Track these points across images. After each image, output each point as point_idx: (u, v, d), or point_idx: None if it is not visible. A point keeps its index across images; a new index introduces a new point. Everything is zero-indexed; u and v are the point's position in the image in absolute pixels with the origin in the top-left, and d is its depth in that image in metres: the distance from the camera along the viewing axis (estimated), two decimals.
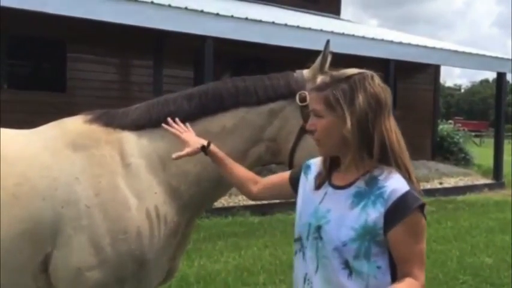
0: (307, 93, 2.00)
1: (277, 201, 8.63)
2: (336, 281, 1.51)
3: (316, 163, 1.73)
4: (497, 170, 12.11)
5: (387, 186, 1.49)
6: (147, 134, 2.04)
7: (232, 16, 8.18)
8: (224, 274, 4.87)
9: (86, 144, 1.98)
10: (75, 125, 2.06)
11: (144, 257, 1.93)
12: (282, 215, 7.79)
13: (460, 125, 20.32)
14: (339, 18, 15.04)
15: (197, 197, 2.06)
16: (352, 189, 1.56)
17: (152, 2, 7.39)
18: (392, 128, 1.53)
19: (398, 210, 1.47)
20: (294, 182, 1.78)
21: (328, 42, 2.07)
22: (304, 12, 12.98)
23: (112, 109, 2.19)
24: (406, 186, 1.49)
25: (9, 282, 1.92)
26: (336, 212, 1.54)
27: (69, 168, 1.93)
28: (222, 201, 7.99)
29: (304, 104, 2.02)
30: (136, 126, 2.06)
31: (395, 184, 1.49)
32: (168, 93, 2.23)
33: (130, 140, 2.02)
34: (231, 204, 8.08)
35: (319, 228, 1.56)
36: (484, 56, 12.29)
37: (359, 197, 1.53)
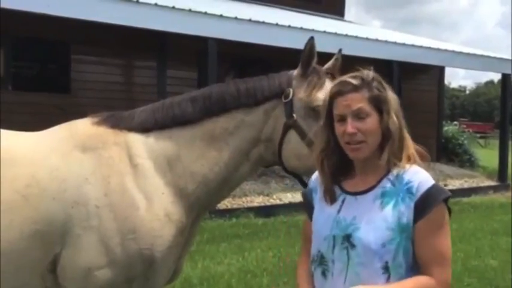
0: (291, 89, 2.06)
1: (281, 202, 8.60)
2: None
3: (317, 178, 1.71)
4: (502, 172, 12.05)
5: (414, 181, 1.51)
6: (153, 136, 2.08)
7: (235, 18, 8.18)
8: (227, 276, 4.86)
9: (95, 146, 2.01)
10: (83, 127, 2.09)
11: (152, 256, 1.96)
12: (285, 217, 7.77)
13: (465, 126, 20.25)
14: (343, 20, 15.03)
15: (203, 198, 2.10)
16: (377, 191, 1.55)
17: (156, 4, 7.41)
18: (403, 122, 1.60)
19: (426, 203, 1.48)
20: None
21: (311, 38, 2.09)
22: (308, 13, 12.97)
23: (118, 111, 2.22)
24: (432, 180, 1.52)
25: (19, 283, 1.94)
26: (363, 217, 1.53)
27: (79, 169, 1.96)
28: (226, 203, 7.99)
29: (286, 100, 2.05)
30: (143, 128, 2.09)
31: (421, 177, 1.52)
32: (172, 94, 2.26)
33: (138, 141, 2.06)
34: (235, 206, 8.07)
35: (348, 237, 1.53)
36: (488, 57, 12.25)
37: (387, 196, 1.53)
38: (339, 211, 1.58)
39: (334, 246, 1.56)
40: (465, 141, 14.04)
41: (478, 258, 5.66)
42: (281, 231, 6.87)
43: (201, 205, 2.12)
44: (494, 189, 11.32)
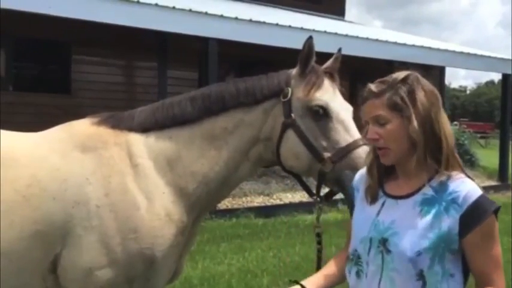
0: (289, 89, 2.05)
1: (282, 203, 8.60)
2: None
3: (361, 178, 1.69)
4: (502, 172, 12.04)
5: (460, 191, 1.46)
6: (153, 136, 2.08)
7: (236, 18, 8.19)
8: (228, 276, 4.86)
9: (95, 146, 2.01)
10: (83, 127, 2.10)
11: (153, 256, 1.96)
12: (286, 217, 7.77)
13: (465, 126, 20.23)
14: (343, 20, 15.03)
15: (204, 197, 2.10)
16: (418, 197, 1.51)
17: (156, 4, 7.41)
18: (447, 124, 1.54)
19: (475, 215, 1.44)
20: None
21: (310, 37, 2.08)
22: (308, 13, 12.97)
23: (118, 111, 2.23)
24: (479, 190, 1.47)
25: (20, 283, 1.94)
26: (402, 223, 1.50)
27: (79, 169, 1.96)
28: (226, 203, 7.99)
29: (285, 99, 2.04)
30: (143, 129, 2.09)
31: (467, 188, 1.47)
32: (173, 94, 2.26)
33: (138, 141, 2.06)
34: (235, 206, 8.07)
35: (384, 241, 1.51)
36: (489, 57, 12.24)
37: (428, 204, 1.49)
38: (378, 213, 1.56)
39: (370, 249, 1.54)
40: (466, 141, 14.02)
41: None
42: (281, 231, 6.86)
43: (202, 205, 2.12)
44: (495, 189, 11.29)
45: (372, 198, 1.60)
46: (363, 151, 1.91)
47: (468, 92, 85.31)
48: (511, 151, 12.36)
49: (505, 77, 12.33)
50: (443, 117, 1.53)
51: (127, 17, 7.13)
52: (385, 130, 1.51)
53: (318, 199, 2.08)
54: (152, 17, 7.36)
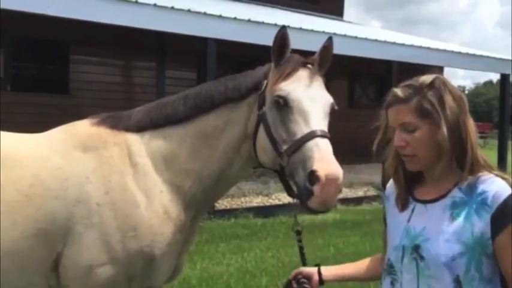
0: (265, 81, 1.97)
1: (280, 203, 8.59)
2: None
3: (390, 186, 1.66)
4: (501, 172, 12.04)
5: (489, 191, 1.43)
6: (148, 135, 2.10)
7: (234, 18, 8.18)
8: (226, 276, 4.86)
9: (95, 146, 2.04)
10: (83, 128, 2.13)
11: (153, 254, 1.98)
12: (284, 217, 7.77)
13: None
14: (342, 20, 15.03)
15: (199, 195, 2.11)
16: (447, 201, 1.48)
17: (155, 4, 7.40)
18: (474, 130, 1.50)
19: (505, 214, 1.40)
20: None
21: (283, 27, 2.03)
22: (307, 14, 12.97)
23: (116, 112, 2.25)
24: (509, 189, 1.43)
25: (23, 282, 1.96)
26: (433, 228, 1.47)
27: (80, 168, 1.99)
28: (225, 203, 8.00)
29: (260, 92, 1.97)
30: (139, 128, 2.12)
31: (496, 187, 1.43)
32: (171, 94, 2.29)
33: (136, 141, 2.09)
34: (234, 206, 8.07)
35: (417, 247, 1.48)
36: (487, 57, 12.26)
37: (458, 207, 1.46)
38: (409, 220, 1.54)
39: (403, 257, 1.51)
40: None
41: None
42: (280, 231, 6.86)
43: (198, 202, 2.13)
44: None
45: (402, 205, 1.57)
46: (314, 143, 1.77)
47: (467, 92, 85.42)
48: (510, 151, 12.38)
49: (504, 77, 12.36)
50: (471, 124, 1.50)
51: (125, 17, 7.13)
52: (413, 137, 1.47)
53: (294, 198, 1.96)
54: (151, 17, 7.35)
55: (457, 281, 1.43)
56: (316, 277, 1.78)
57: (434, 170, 1.50)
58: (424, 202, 1.53)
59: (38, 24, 7.56)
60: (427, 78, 1.51)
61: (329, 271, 1.80)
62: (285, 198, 8.83)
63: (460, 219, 1.44)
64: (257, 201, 8.62)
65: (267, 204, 8.55)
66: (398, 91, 1.52)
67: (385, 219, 1.69)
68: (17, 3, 6.34)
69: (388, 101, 1.54)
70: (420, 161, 1.50)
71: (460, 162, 1.47)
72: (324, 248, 6.05)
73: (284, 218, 7.70)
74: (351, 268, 1.81)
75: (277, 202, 8.65)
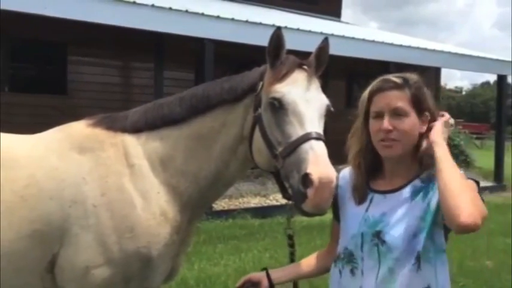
0: (261, 82, 1.96)
1: (278, 203, 8.59)
2: (407, 280, 1.48)
3: (344, 178, 1.70)
4: (498, 173, 12.11)
5: None
6: (145, 136, 2.10)
7: (232, 19, 8.19)
8: (224, 277, 4.86)
9: (92, 147, 2.04)
10: (79, 128, 2.12)
11: (149, 255, 1.97)
12: (282, 217, 7.77)
13: (461, 127, 20.27)
14: (339, 21, 15.06)
15: (195, 196, 2.10)
16: (407, 189, 1.56)
17: (153, 5, 7.41)
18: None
19: None
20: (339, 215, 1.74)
21: (278, 28, 2.03)
22: (305, 14, 12.99)
23: (113, 113, 2.24)
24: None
25: (19, 283, 1.96)
26: (393, 213, 1.53)
27: (76, 169, 1.99)
28: (223, 204, 8.00)
29: (256, 93, 1.97)
30: (136, 129, 2.11)
31: None
32: (169, 95, 2.28)
33: (132, 142, 2.08)
34: (232, 207, 8.07)
35: (378, 233, 1.53)
36: (484, 58, 12.30)
37: (418, 193, 1.54)
38: (367, 209, 1.58)
39: (362, 244, 1.56)
40: (461, 142, 14.05)
41: (474, 259, 5.66)
42: (278, 232, 6.86)
43: (194, 203, 2.12)
44: (490, 189, 11.33)
45: (360, 198, 1.61)
46: (309, 146, 1.75)
47: (464, 93, 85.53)
48: (509, 151, 12.42)
49: (501, 78, 12.40)
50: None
51: (123, 17, 7.13)
52: (402, 123, 1.53)
53: (289, 200, 1.94)
54: (149, 17, 7.35)
55: (417, 258, 1.49)
56: (265, 282, 1.81)
57: (404, 160, 1.57)
58: (383, 192, 1.59)
59: (35, 25, 7.55)
60: (413, 75, 1.60)
61: (281, 272, 1.84)
62: (282, 199, 8.83)
63: (418, 198, 1.53)
64: (255, 202, 8.63)
65: (265, 205, 8.55)
66: (393, 78, 1.58)
67: (335, 213, 1.74)
68: (14, 4, 6.33)
69: (379, 86, 1.59)
70: (401, 148, 1.55)
71: (422, 156, 1.56)
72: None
73: (282, 219, 7.70)
74: (303, 266, 1.84)
75: (275, 203, 8.65)
